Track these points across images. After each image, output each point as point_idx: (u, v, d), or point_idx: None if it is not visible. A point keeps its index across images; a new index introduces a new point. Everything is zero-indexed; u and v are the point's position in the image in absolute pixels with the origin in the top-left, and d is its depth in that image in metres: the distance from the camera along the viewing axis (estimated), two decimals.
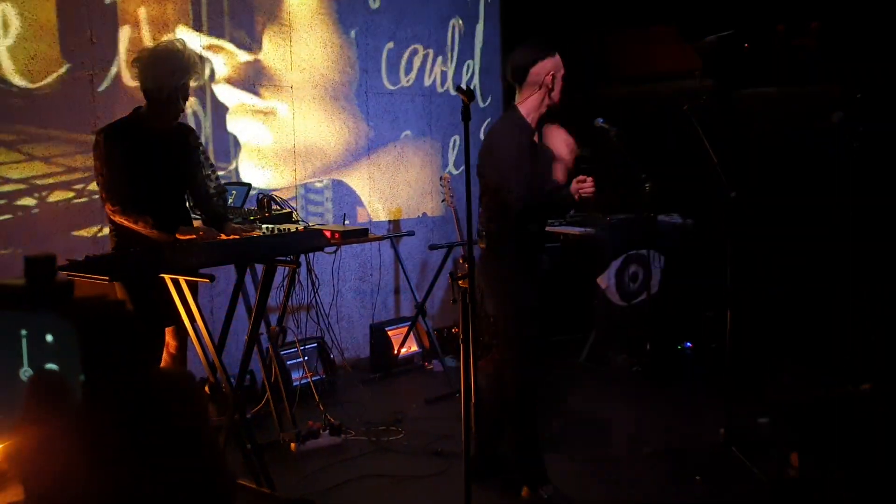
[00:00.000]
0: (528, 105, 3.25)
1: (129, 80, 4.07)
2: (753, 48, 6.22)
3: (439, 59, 5.94)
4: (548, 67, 3.20)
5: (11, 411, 0.49)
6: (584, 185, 3.11)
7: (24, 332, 0.48)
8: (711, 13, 5.85)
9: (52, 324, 0.48)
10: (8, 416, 0.49)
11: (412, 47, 5.73)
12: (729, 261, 3.71)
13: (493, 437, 3.44)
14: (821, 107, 5.14)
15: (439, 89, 5.95)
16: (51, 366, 0.47)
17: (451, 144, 6.08)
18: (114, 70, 4.11)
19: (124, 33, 4.15)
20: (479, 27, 6.25)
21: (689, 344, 5.56)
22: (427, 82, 5.87)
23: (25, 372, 0.49)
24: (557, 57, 3.24)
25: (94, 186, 3.78)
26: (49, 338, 0.48)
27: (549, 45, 3.27)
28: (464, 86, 2.57)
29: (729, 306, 3.70)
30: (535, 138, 3.33)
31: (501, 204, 3.19)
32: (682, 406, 4.31)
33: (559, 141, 3.38)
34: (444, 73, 5.97)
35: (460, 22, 6.08)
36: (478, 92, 6.16)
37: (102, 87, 4.06)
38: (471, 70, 6.22)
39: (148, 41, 4.16)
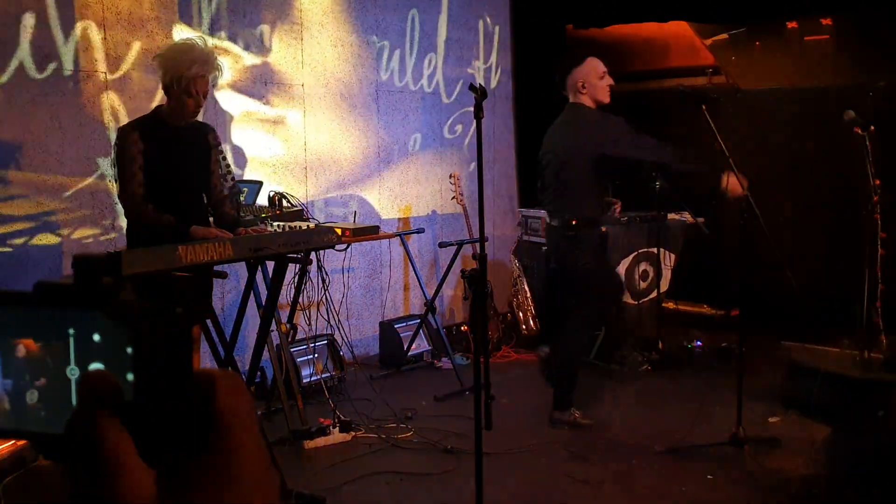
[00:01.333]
0: (584, 101, 3.85)
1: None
2: (765, 45, 6.19)
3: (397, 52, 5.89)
4: (576, 77, 3.81)
5: (59, 409, 0.49)
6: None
7: (71, 330, 0.49)
8: (724, 10, 5.81)
9: (100, 323, 0.48)
10: (55, 413, 0.50)
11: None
12: (740, 258, 3.70)
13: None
14: (833, 104, 5.11)
15: (412, 87, 5.90)
16: (97, 365, 0.48)
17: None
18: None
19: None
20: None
21: (699, 342, 5.54)
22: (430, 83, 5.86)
23: (72, 370, 0.49)
24: (588, 62, 3.81)
25: None
26: (96, 337, 0.48)
27: (571, 61, 3.82)
28: (476, 84, 2.57)
29: (740, 304, 3.69)
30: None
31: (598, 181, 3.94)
32: (693, 404, 4.29)
33: None
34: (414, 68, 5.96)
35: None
36: (441, 87, 5.99)
37: None
38: (433, 64, 6.03)
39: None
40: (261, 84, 4.83)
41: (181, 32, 4.33)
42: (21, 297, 0.49)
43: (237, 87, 4.73)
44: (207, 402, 0.44)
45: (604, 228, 4.24)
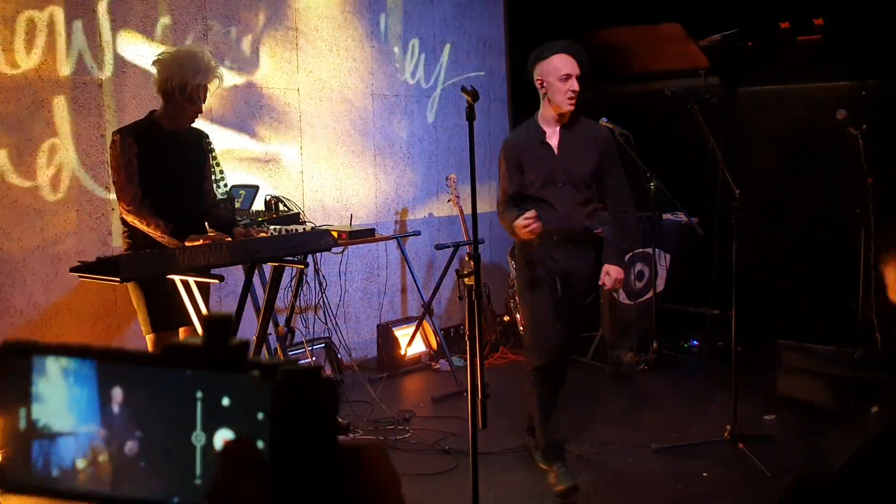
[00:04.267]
0: (542, 110, 3.39)
1: None
2: (758, 46, 6.22)
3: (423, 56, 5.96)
4: (538, 73, 3.31)
5: (183, 476, 0.47)
6: (528, 225, 3.14)
7: (199, 393, 0.47)
8: (716, 11, 5.85)
9: (230, 386, 0.46)
10: (180, 479, 0.47)
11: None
12: (735, 258, 3.72)
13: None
14: (825, 103, 5.14)
15: (408, 90, 5.97)
16: (225, 431, 0.45)
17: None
18: None
19: None
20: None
21: (695, 342, 5.57)
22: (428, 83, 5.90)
23: (198, 436, 0.47)
24: (552, 59, 3.27)
25: None
26: (226, 401, 0.46)
27: (543, 50, 3.32)
28: (469, 87, 2.60)
29: (735, 303, 3.71)
30: (548, 138, 3.38)
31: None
32: (689, 403, 4.32)
33: None
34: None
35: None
36: (438, 90, 6.11)
37: None
38: (430, 67, 6.19)
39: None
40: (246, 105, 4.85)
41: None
42: (148, 358, 0.47)
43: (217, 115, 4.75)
44: (353, 477, 0.42)
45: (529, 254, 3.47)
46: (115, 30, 4.12)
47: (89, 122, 4.04)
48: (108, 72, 4.11)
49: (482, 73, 6.27)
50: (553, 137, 3.37)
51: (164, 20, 4.31)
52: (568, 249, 3.39)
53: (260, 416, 0.44)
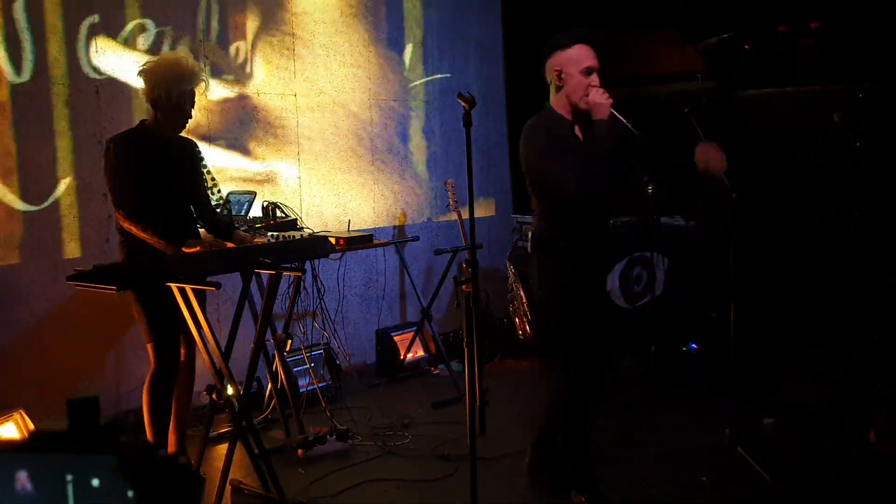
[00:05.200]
0: (556, 102, 3.12)
1: None
2: (755, 49, 6.23)
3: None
4: (552, 65, 3.05)
5: None
6: (598, 93, 2.89)
7: (69, 476, 0.47)
8: (713, 15, 5.86)
9: (99, 467, 0.46)
10: None
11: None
12: (732, 262, 3.72)
13: (552, 433, 3.38)
14: (822, 107, 5.15)
15: (406, 95, 5.97)
16: None
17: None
18: None
19: None
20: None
21: (693, 345, 5.57)
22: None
23: None
24: (569, 51, 3.01)
25: None
26: (95, 482, 0.46)
27: (558, 41, 3.07)
28: (466, 93, 2.60)
29: (733, 307, 3.71)
30: (577, 131, 3.11)
31: (552, 199, 3.09)
32: (688, 407, 4.31)
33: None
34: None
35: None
36: (436, 95, 6.10)
37: None
38: (427, 72, 6.20)
39: None
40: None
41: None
42: (15, 445, 0.47)
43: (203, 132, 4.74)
44: None
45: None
46: (111, 37, 4.13)
47: (86, 130, 4.05)
48: (103, 77, 4.12)
49: (479, 79, 6.28)
50: (577, 131, 3.11)
51: (152, 29, 4.31)
52: (599, 253, 3.18)
53: (130, 494, 0.44)
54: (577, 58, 3.00)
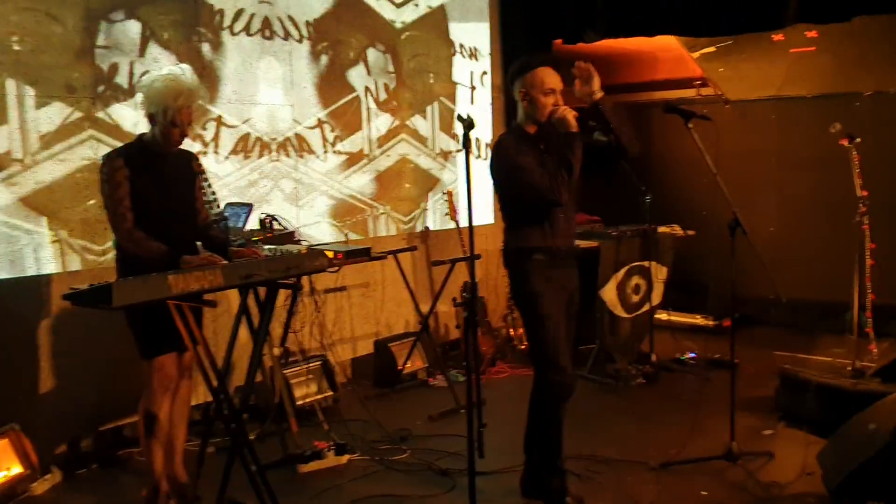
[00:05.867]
0: (522, 119, 3.31)
1: None
2: (752, 56, 6.23)
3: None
4: (518, 87, 3.26)
5: None
6: (563, 109, 3.14)
7: None
8: (710, 21, 5.85)
9: None
10: None
11: None
12: (732, 271, 3.72)
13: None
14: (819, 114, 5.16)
15: (405, 101, 5.95)
16: None
17: None
18: None
19: None
20: None
21: (692, 354, 5.57)
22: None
23: None
24: (533, 73, 3.20)
25: None
26: None
27: (523, 65, 3.25)
28: (465, 115, 2.59)
29: (732, 316, 3.72)
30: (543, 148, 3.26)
31: (522, 211, 3.26)
32: (687, 417, 4.30)
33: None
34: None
35: None
36: (435, 103, 6.12)
37: None
38: (426, 80, 6.18)
39: None
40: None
41: None
42: None
43: None
44: None
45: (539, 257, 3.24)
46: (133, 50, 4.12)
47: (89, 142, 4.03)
48: (99, 90, 4.10)
49: (473, 87, 6.27)
50: (541, 146, 3.26)
51: (156, 42, 4.30)
52: (569, 264, 3.34)
53: None
54: (540, 80, 3.22)
